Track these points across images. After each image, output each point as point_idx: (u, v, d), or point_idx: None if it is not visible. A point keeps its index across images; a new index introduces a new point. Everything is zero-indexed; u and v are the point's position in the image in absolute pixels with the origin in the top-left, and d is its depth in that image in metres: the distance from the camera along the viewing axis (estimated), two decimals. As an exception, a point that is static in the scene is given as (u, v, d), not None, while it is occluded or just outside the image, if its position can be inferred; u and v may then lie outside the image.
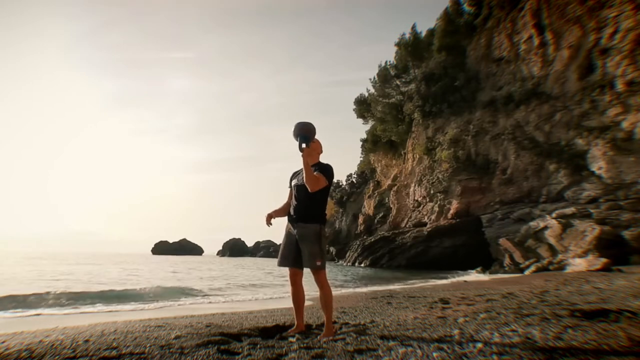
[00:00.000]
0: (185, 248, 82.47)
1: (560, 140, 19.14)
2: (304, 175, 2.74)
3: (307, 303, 3.22)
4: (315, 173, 2.76)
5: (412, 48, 30.97)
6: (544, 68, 20.59)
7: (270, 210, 3.02)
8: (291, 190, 3.00)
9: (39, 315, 5.74)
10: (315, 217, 2.81)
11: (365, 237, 30.57)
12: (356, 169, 45.07)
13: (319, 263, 2.71)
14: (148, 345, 2.41)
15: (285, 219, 3.00)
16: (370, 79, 34.75)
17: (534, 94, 20.68)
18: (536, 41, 20.93)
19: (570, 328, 2.58)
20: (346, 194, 44.17)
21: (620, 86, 16.60)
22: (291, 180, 3.02)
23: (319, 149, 2.96)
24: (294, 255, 2.84)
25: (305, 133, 2.80)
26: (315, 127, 2.85)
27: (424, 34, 31.41)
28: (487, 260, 18.66)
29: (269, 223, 2.99)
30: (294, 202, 2.92)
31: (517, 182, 20.26)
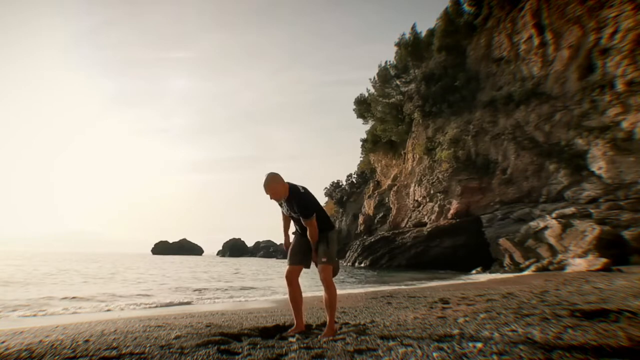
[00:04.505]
0: (185, 248, 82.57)
1: (560, 140, 19.14)
2: (311, 241, 2.96)
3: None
4: (306, 221, 2.88)
5: (412, 48, 30.98)
6: (544, 68, 20.59)
7: (283, 240, 3.23)
8: (285, 215, 3.10)
9: (35, 315, 5.74)
10: (322, 231, 2.98)
11: (365, 237, 30.53)
12: (356, 169, 45.01)
13: (324, 259, 2.91)
14: (148, 345, 2.40)
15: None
16: (370, 79, 34.76)
17: (534, 94, 20.68)
18: (536, 41, 20.93)
19: (570, 328, 2.58)
20: (346, 194, 44.10)
21: (620, 86, 16.59)
22: (280, 206, 3.07)
23: (283, 192, 2.87)
24: (302, 255, 3.03)
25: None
26: (280, 175, 2.84)
27: (424, 34, 31.46)
28: (487, 260, 18.65)
29: (287, 245, 3.18)
30: (299, 227, 3.06)
31: (517, 182, 20.25)
